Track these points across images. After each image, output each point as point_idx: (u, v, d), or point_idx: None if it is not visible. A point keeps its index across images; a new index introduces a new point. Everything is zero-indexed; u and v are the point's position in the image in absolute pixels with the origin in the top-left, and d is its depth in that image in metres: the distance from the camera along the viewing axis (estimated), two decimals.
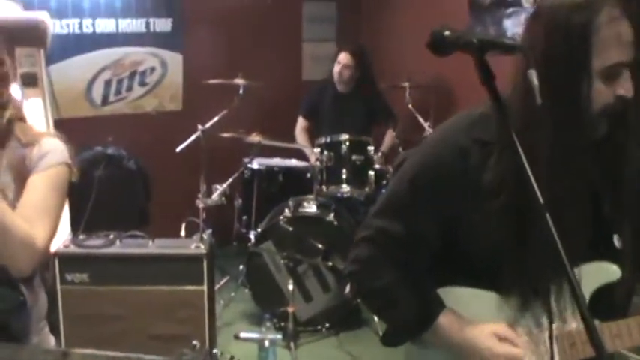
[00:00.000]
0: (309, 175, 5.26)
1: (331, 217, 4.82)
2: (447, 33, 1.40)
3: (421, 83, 5.58)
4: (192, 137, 5.01)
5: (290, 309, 4.44)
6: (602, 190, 1.72)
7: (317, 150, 5.14)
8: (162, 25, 6.00)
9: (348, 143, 5.09)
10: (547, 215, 1.32)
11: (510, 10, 5.00)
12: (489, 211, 1.66)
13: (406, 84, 5.53)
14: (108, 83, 5.86)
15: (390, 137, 5.76)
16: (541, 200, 1.33)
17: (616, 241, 1.72)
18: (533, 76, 1.41)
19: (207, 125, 5.02)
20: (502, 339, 1.72)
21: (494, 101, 1.39)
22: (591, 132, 1.62)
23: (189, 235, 4.77)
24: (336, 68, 5.65)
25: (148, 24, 5.92)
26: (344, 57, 5.61)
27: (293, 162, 5.59)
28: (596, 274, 1.71)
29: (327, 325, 4.87)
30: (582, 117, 1.59)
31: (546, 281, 1.65)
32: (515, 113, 1.52)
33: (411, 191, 1.79)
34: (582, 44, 1.55)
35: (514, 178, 1.56)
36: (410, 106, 5.50)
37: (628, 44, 1.56)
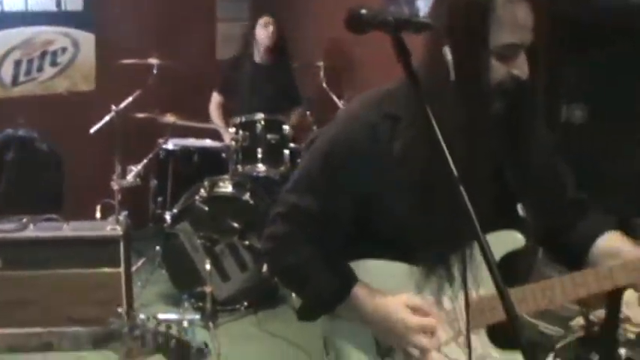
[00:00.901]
0: (224, 155, 5.27)
1: (247, 196, 4.85)
2: (363, 11, 1.43)
3: (335, 63, 5.63)
4: (106, 118, 4.94)
5: (208, 289, 4.44)
6: (506, 162, 1.79)
7: (232, 129, 5.13)
8: (74, 3, 5.84)
9: (263, 122, 5.10)
10: (460, 185, 1.36)
11: None
12: (400, 183, 1.71)
13: (320, 63, 5.59)
14: (17, 63, 5.69)
15: (295, 116, 5.70)
16: (455, 172, 1.37)
17: (520, 210, 1.80)
18: (447, 52, 1.47)
19: (121, 106, 4.96)
20: (414, 309, 1.74)
21: (409, 77, 1.44)
22: (490, 106, 1.69)
23: (104, 217, 4.72)
24: (263, 33, 5.55)
25: (58, 2, 5.76)
26: (266, 19, 5.53)
27: (208, 142, 5.58)
28: (502, 242, 1.77)
29: (246, 304, 4.89)
30: (483, 91, 1.65)
31: (455, 249, 1.68)
32: (426, 88, 1.53)
33: (323, 168, 1.81)
34: (480, 22, 1.62)
35: (423, 150, 1.61)
36: (324, 84, 5.55)
37: (524, 27, 1.65)
